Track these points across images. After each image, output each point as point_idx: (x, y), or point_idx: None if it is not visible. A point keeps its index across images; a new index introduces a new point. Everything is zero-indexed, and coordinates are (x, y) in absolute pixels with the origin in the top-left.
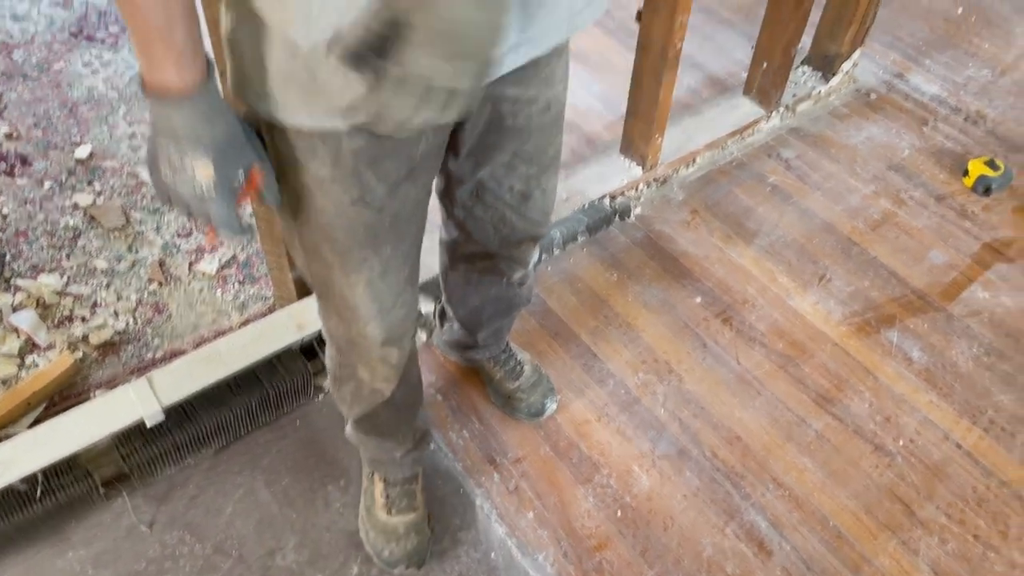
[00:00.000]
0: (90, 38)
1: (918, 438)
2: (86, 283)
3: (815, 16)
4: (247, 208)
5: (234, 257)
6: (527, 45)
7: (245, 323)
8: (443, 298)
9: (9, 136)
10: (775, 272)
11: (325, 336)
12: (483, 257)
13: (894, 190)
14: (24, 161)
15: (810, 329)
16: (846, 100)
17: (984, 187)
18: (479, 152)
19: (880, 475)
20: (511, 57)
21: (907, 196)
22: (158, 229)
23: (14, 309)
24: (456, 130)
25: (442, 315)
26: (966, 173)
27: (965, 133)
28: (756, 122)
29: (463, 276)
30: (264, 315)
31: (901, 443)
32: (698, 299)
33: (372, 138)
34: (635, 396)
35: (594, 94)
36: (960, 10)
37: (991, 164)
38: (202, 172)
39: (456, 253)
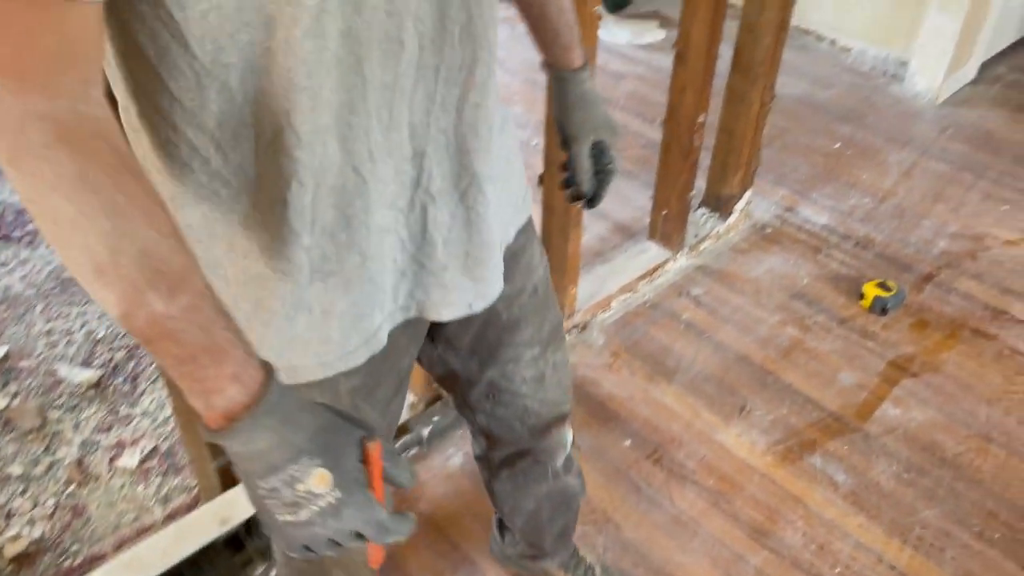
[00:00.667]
0: (6, 237)
1: (853, 563)
2: (1, 491)
3: (706, 162)
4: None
5: (156, 448)
6: (491, 292)
7: (169, 517)
8: (497, 512)
9: None
10: (697, 407)
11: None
12: (520, 456)
13: (798, 317)
14: None
15: (737, 462)
16: (744, 236)
17: (880, 307)
18: (483, 350)
19: None
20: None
21: (811, 322)
22: (76, 426)
23: None
24: (446, 330)
25: (501, 527)
26: (862, 296)
27: (857, 258)
28: (663, 264)
29: (509, 482)
30: (188, 508)
31: (837, 570)
32: (627, 442)
33: (368, 367)
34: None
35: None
36: (837, 145)
37: (883, 286)
38: (318, 483)
39: (492, 462)
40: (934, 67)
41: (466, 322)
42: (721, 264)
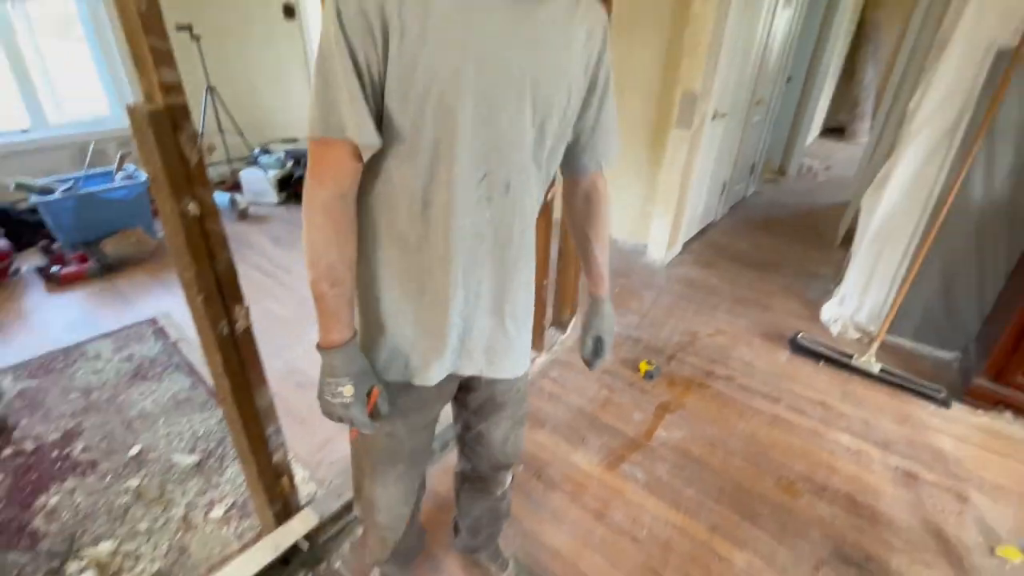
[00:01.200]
0: (144, 377)
1: (653, 525)
2: (132, 541)
3: (552, 302)
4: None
5: (234, 503)
6: (509, 371)
7: (243, 548)
8: (455, 514)
9: (84, 450)
10: (559, 442)
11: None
12: (479, 479)
13: (608, 384)
14: (92, 465)
15: (583, 473)
16: (575, 340)
17: (649, 375)
18: (481, 413)
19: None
20: (493, 371)
21: (615, 386)
22: (183, 493)
23: (80, 573)
24: (467, 396)
25: (456, 527)
26: (639, 369)
27: (634, 349)
28: (533, 360)
29: (468, 494)
30: (254, 540)
31: (644, 532)
32: (521, 467)
33: (409, 393)
34: None
35: None
36: (617, 289)
37: (650, 363)
38: (347, 391)
39: (464, 478)
40: (660, 247)
41: (478, 394)
42: (564, 358)
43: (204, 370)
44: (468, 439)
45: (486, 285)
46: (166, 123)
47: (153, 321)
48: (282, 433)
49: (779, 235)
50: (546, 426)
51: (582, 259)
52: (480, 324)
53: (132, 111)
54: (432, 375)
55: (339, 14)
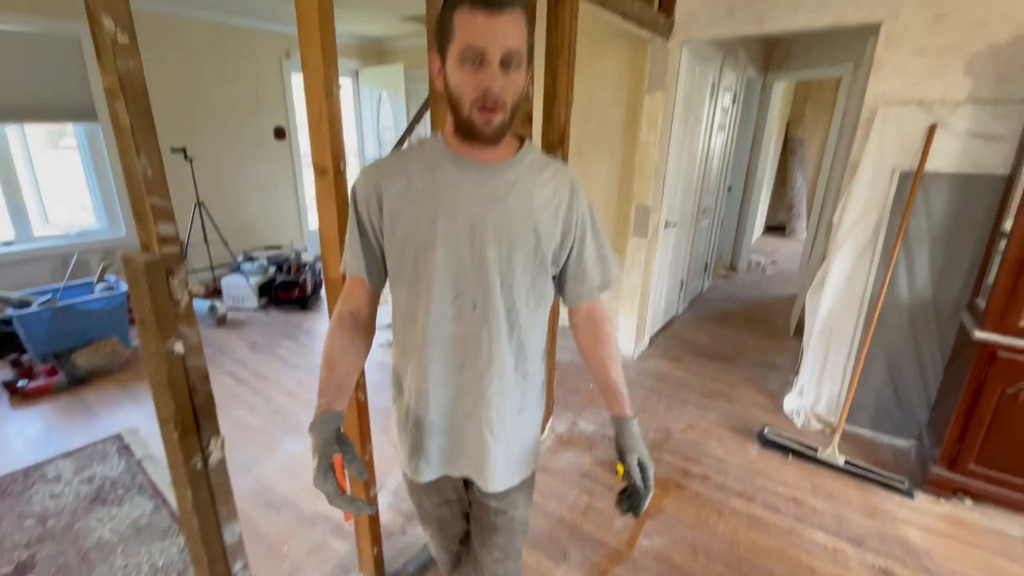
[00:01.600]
0: (104, 501)
1: None
2: None
3: None
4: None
5: None
6: (490, 483)
7: None
8: None
9: None
10: (539, 557)
11: None
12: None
13: (587, 488)
14: None
15: None
16: (553, 443)
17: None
18: (477, 527)
19: None
20: (480, 480)
21: (594, 490)
22: None
23: None
24: (471, 502)
25: None
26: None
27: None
28: None
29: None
30: None
31: None
32: None
33: (423, 486)
34: None
35: None
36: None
37: None
38: (313, 462)
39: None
40: (628, 343)
41: (476, 504)
42: (543, 461)
43: (168, 492)
44: (468, 551)
45: (463, 391)
46: (160, 271)
47: (119, 437)
48: (249, 569)
49: (736, 327)
50: (526, 540)
51: (597, 382)
52: (462, 428)
53: (128, 262)
54: (421, 473)
55: (354, 192)
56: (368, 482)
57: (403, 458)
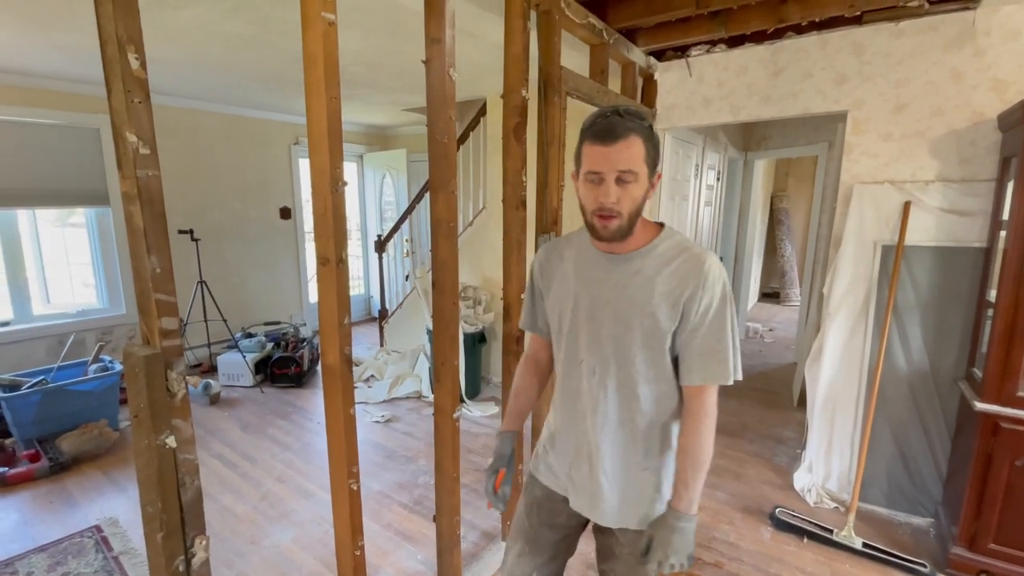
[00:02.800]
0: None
1: None
2: None
3: None
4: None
5: None
6: (602, 516)
7: None
8: None
9: None
10: None
11: None
12: None
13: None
14: None
15: None
16: None
17: None
18: (602, 555)
19: None
20: (602, 517)
21: None
22: None
23: None
24: (598, 541)
25: None
26: None
27: None
28: None
29: None
30: None
31: None
32: None
33: (540, 489)
34: None
35: (419, 561)
36: None
37: None
38: (489, 460)
39: None
40: None
41: (601, 539)
42: None
43: None
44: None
45: (584, 438)
46: (159, 365)
47: (97, 529)
48: None
49: (739, 397)
50: None
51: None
52: (581, 467)
53: (128, 355)
54: (540, 474)
55: (531, 270)
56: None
57: (533, 461)
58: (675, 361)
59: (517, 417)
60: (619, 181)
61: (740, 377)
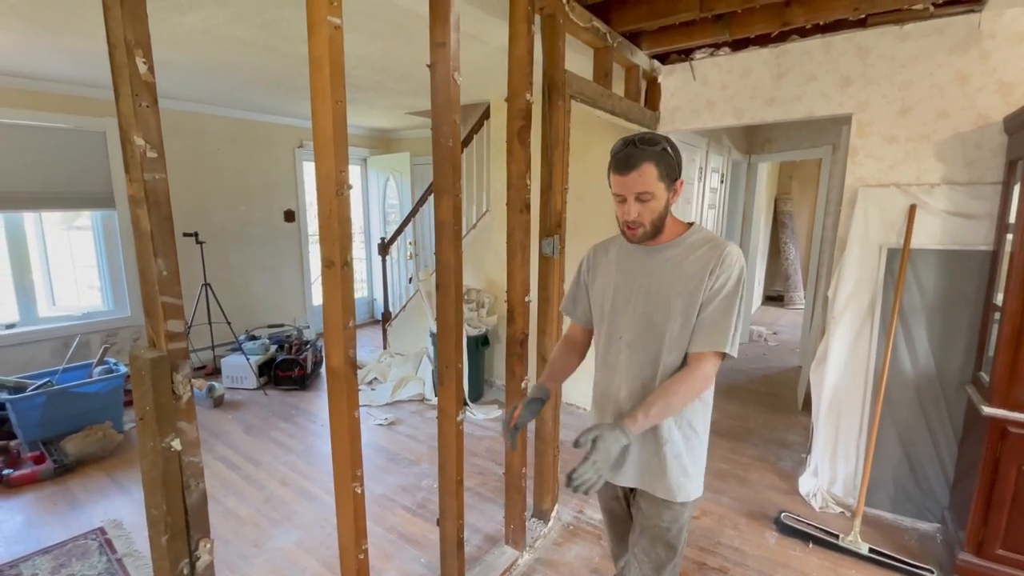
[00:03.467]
0: None
1: None
2: None
3: (532, 490)
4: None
5: None
6: (622, 477)
7: None
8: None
9: None
10: None
11: None
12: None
13: None
14: None
15: None
16: (559, 533)
17: None
18: (633, 537)
19: None
20: (621, 478)
21: None
22: None
23: None
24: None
25: None
26: None
27: None
28: (516, 561)
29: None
30: None
31: None
32: None
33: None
34: None
35: (423, 564)
36: None
37: None
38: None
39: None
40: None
41: (634, 513)
42: (548, 555)
43: None
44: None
45: (618, 406)
46: (165, 367)
47: (101, 531)
48: None
49: (743, 401)
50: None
51: None
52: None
53: (134, 359)
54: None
55: (580, 266)
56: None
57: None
58: None
59: (548, 378)
60: (638, 200)
61: (735, 354)
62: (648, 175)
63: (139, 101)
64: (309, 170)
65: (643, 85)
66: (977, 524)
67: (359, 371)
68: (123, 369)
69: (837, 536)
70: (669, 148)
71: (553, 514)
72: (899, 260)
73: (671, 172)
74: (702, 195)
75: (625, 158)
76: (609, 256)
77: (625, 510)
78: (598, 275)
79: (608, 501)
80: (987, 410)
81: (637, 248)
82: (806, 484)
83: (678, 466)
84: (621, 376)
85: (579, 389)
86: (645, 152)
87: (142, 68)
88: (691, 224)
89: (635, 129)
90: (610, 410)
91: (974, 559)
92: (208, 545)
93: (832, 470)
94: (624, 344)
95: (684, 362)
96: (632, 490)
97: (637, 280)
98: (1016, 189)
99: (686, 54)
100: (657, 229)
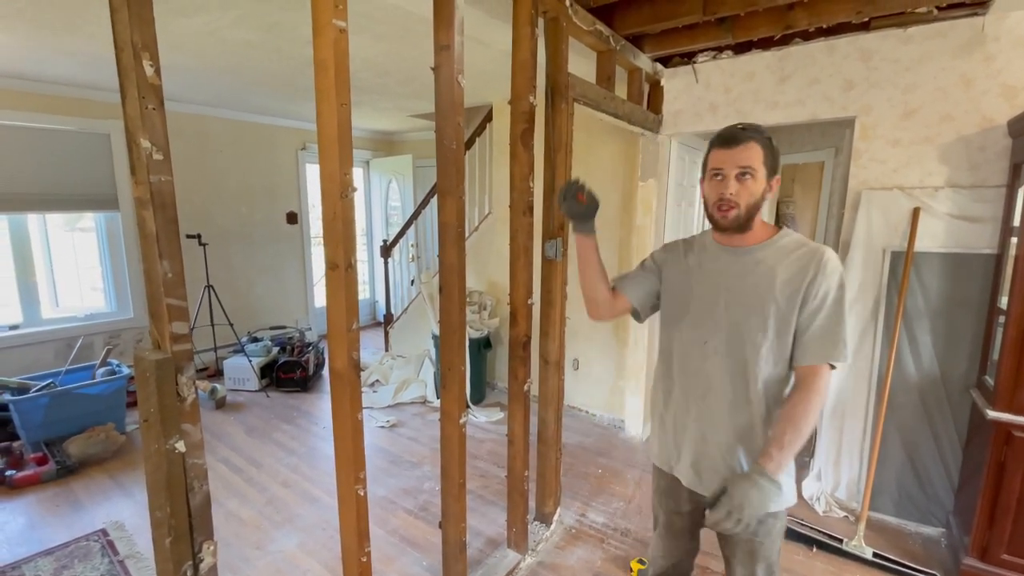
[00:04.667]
0: None
1: None
2: None
3: (534, 493)
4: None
5: None
6: (700, 486)
7: None
8: None
9: None
10: None
11: None
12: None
13: None
14: None
15: None
16: (561, 536)
17: None
18: (727, 556)
19: None
20: (708, 490)
21: None
22: None
23: None
24: (696, 533)
25: None
26: (631, 570)
27: (623, 542)
28: (518, 564)
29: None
30: None
31: None
32: None
33: (665, 479)
34: None
35: (424, 567)
36: (599, 471)
37: (641, 561)
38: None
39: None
40: (636, 423)
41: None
42: (551, 559)
43: None
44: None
45: (704, 414)
46: (170, 369)
47: (103, 532)
48: None
49: None
50: None
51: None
52: (692, 442)
53: (139, 360)
54: (655, 455)
55: (655, 251)
56: None
57: (655, 453)
58: (792, 344)
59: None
60: (738, 177)
61: (850, 360)
62: (753, 152)
63: (146, 103)
64: (312, 172)
65: (646, 88)
66: (982, 529)
67: (361, 373)
68: (126, 370)
69: (841, 540)
70: (772, 142)
71: (555, 517)
72: (903, 263)
73: (772, 163)
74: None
75: (731, 134)
76: (689, 254)
77: (686, 525)
78: (673, 272)
79: (669, 514)
80: (992, 414)
81: (724, 250)
82: (809, 488)
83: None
84: (704, 388)
85: (582, 391)
86: (752, 133)
87: (149, 71)
88: (780, 227)
89: (638, 131)
90: (691, 427)
91: (979, 564)
92: (211, 547)
93: (836, 474)
94: (710, 350)
95: (785, 375)
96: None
97: (724, 282)
98: (1020, 192)
99: (689, 57)
100: (750, 217)
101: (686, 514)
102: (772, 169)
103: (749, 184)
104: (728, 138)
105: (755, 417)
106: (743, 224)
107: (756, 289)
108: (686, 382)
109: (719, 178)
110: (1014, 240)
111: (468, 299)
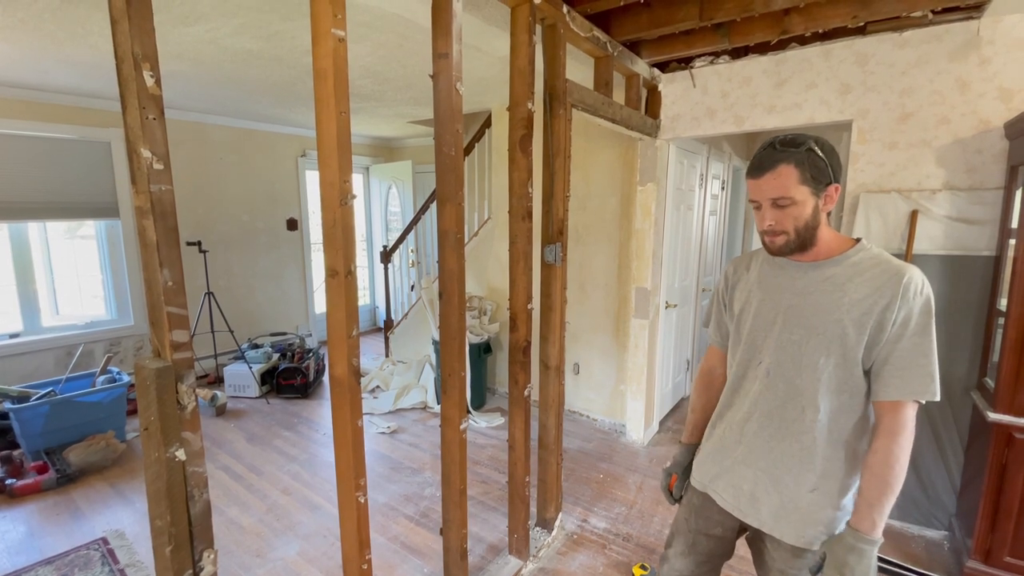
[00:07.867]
0: None
1: None
2: None
3: (536, 499)
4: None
5: None
6: (763, 524)
7: None
8: None
9: None
10: None
11: None
12: None
13: None
14: None
15: None
16: (563, 542)
17: None
18: (761, 566)
19: None
20: (754, 519)
21: None
22: None
23: None
24: (757, 552)
25: None
26: (633, 575)
27: (625, 547)
28: (519, 570)
29: None
30: None
31: None
32: None
33: (699, 498)
34: None
35: (425, 574)
36: (601, 476)
37: (643, 567)
38: (667, 465)
39: None
40: (638, 427)
41: (760, 548)
42: (552, 565)
43: None
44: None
45: (753, 439)
46: (170, 377)
47: (104, 541)
48: None
49: None
50: None
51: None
52: (743, 467)
53: (139, 369)
54: (699, 476)
55: (718, 284)
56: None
57: (694, 469)
58: (866, 375)
59: (695, 430)
60: (775, 206)
61: (939, 398)
62: (786, 178)
63: (146, 114)
64: (312, 179)
65: (644, 93)
66: (984, 531)
67: (362, 379)
68: (126, 378)
69: None
70: (818, 148)
71: (557, 523)
72: None
73: (819, 175)
74: (703, 202)
75: (758, 162)
76: (751, 270)
77: (712, 548)
78: (736, 291)
79: (695, 534)
80: (993, 416)
81: (788, 262)
82: None
83: (828, 518)
84: (760, 411)
85: (582, 395)
86: (783, 154)
87: (149, 81)
88: (858, 240)
89: (636, 136)
90: (741, 451)
91: (982, 566)
92: (212, 555)
93: None
94: (762, 371)
95: (857, 407)
96: (746, 528)
97: (785, 300)
98: (1018, 194)
99: (686, 62)
100: (805, 240)
101: (716, 537)
102: (820, 182)
103: (790, 211)
104: (755, 166)
105: (807, 450)
106: (798, 247)
107: (819, 308)
108: (738, 401)
109: (756, 208)
110: (1012, 242)
111: (468, 304)
